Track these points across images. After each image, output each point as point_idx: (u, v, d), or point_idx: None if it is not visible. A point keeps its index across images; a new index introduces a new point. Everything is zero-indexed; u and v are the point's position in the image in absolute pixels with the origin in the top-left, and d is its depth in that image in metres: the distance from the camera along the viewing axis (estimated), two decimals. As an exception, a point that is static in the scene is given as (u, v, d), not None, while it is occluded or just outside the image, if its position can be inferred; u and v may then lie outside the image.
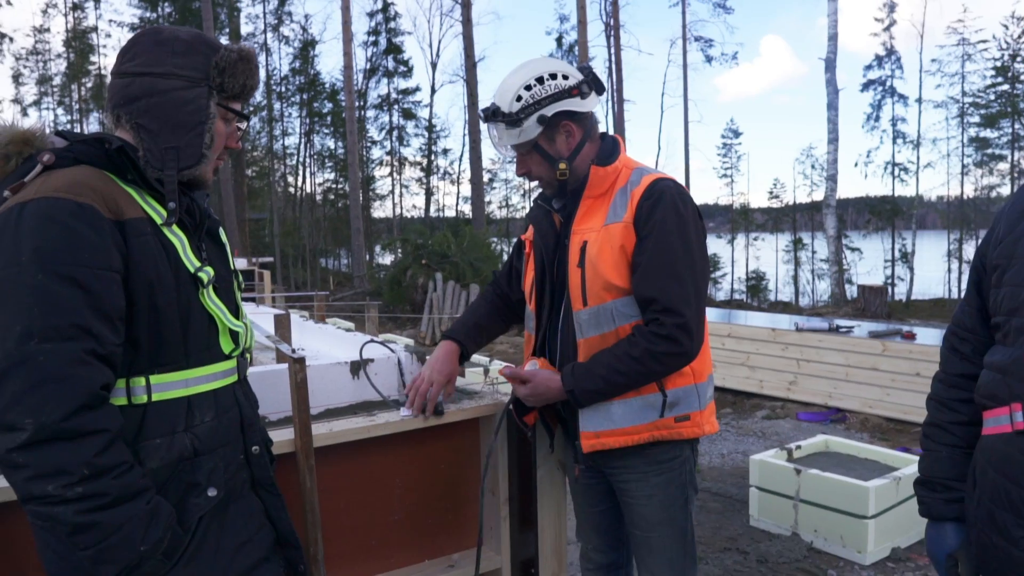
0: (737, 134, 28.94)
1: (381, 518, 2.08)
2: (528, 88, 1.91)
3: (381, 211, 35.24)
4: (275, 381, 1.98)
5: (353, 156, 22.54)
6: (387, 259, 25.76)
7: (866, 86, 24.34)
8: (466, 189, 30.46)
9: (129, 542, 1.20)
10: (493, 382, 2.48)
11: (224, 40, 1.45)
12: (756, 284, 24.98)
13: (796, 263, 25.38)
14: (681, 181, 2.00)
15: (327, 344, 3.35)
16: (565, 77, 1.94)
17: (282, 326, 3.40)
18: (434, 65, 31.39)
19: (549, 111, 1.92)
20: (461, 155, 32.18)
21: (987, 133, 23.02)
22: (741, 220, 27.82)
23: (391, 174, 33.24)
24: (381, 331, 8.98)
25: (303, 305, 8.36)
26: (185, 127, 1.35)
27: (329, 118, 31.86)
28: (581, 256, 1.95)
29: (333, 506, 1.96)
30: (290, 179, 33.83)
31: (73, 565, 1.24)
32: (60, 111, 32.48)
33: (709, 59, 30.14)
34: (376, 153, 33.20)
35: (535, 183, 2.09)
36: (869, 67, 24.42)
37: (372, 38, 31.11)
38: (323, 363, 2.17)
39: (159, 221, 1.34)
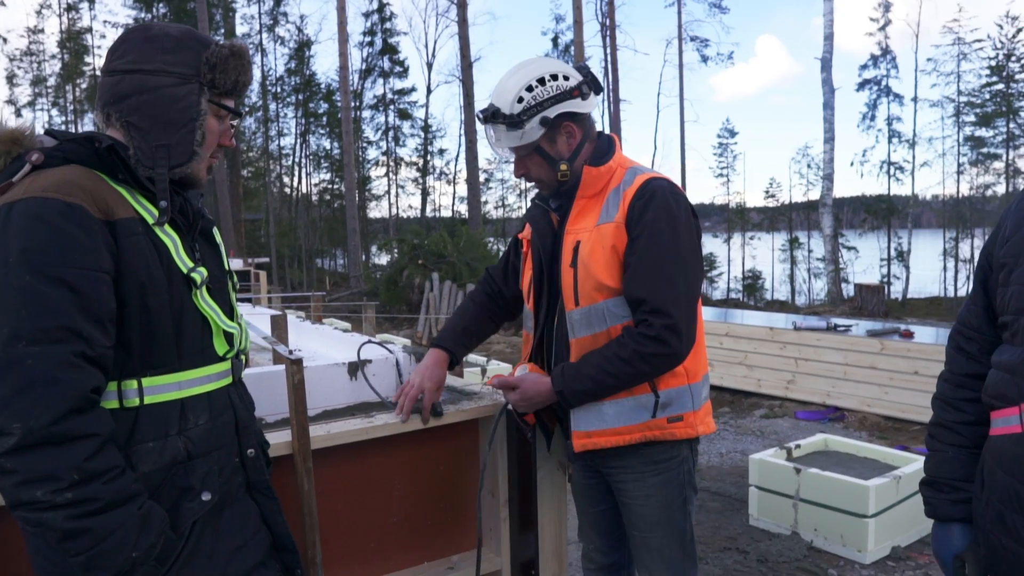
0: (733, 134, 28.94)
1: (380, 520, 2.05)
2: (530, 89, 1.88)
3: (377, 211, 35.24)
4: (272, 382, 1.97)
5: (349, 156, 22.51)
6: (383, 259, 25.74)
7: (862, 85, 24.36)
8: (462, 189, 30.39)
9: (121, 548, 1.17)
10: (492, 382, 2.45)
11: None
12: (752, 283, 25.00)
13: (792, 262, 25.40)
14: (677, 181, 1.99)
15: (324, 345, 3.33)
16: (566, 78, 1.92)
17: (279, 327, 3.37)
18: (430, 65, 31.40)
19: (551, 113, 1.90)
20: (457, 155, 32.13)
21: (982, 132, 23.07)
22: (737, 219, 27.85)
23: (387, 174, 33.22)
24: (378, 331, 8.95)
25: (300, 306, 8.33)
26: (176, 124, 1.33)
27: (325, 118, 31.82)
28: (574, 256, 1.94)
29: (331, 508, 1.94)
30: (286, 180, 33.82)
31: (64, 571, 1.22)
32: (55, 112, 32.42)
33: (705, 59, 30.22)
34: (372, 153, 33.22)
35: (531, 183, 2.07)
36: (865, 66, 24.44)
37: (368, 38, 31.08)
38: (320, 364, 2.15)
39: (151, 221, 1.31)
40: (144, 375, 1.28)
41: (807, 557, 3.74)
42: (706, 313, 8.90)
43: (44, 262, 1.16)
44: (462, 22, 22.58)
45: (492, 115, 1.92)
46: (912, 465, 4.00)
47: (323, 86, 31.45)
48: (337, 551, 1.97)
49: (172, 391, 1.31)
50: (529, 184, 2.07)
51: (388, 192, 33.60)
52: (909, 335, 6.59)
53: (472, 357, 7.08)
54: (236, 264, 11.64)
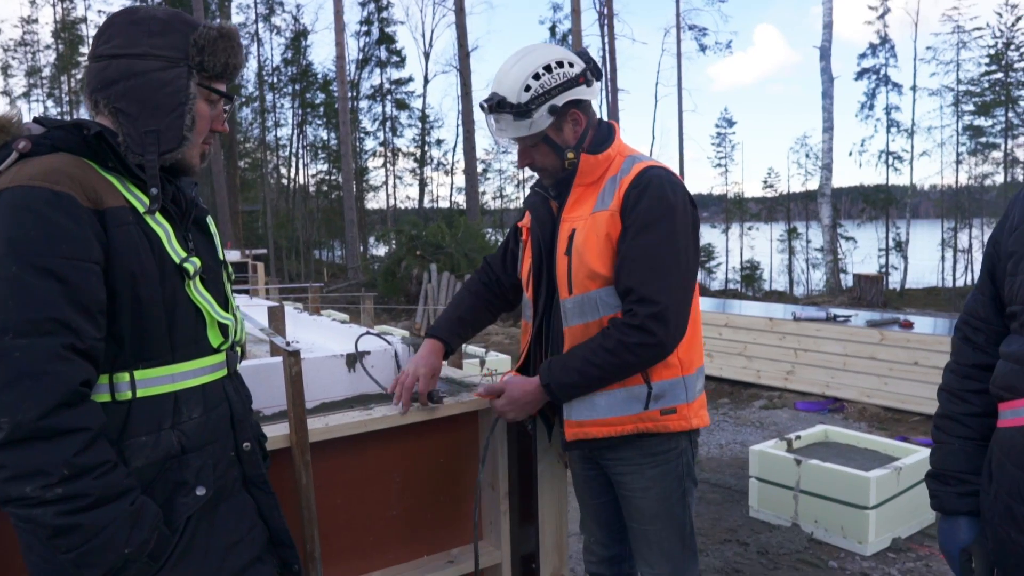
0: (731, 123, 28.80)
1: (379, 514, 2.04)
2: (536, 77, 1.85)
3: (375, 202, 35.18)
4: (269, 375, 1.95)
5: (346, 147, 22.41)
6: (381, 250, 25.73)
7: (860, 75, 24.26)
8: (460, 179, 30.25)
9: (113, 544, 1.15)
10: (491, 373, 2.43)
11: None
12: (751, 273, 25.00)
13: (790, 252, 25.39)
14: (676, 170, 1.96)
15: (322, 336, 3.31)
16: (571, 64, 1.89)
17: (276, 318, 3.35)
18: (427, 55, 31.24)
19: (560, 101, 1.87)
20: (455, 145, 32.03)
21: (981, 121, 23.01)
22: (735, 209, 27.81)
23: (384, 165, 33.12)
24: (376, 322, 8.93)
25: (297, 297, 8.30)
26: (164, 109, 1.29)
27: (322, 109, 31.67)
28: (568, 244, 1.92)
29: (330, 502, 1.92)
30: (283, 170, 33.67)
31: (56, 568, 1.20)
32: (50, 103, 32.27)
33: (703, 48, 30.24)
34: (369, 144, 33.06)
35: (529, 173, 2.04)
36: (863, 56, 24.35)
37: (364, 28, 30.89)
38: (318, 356, 2.13)
39: (142, 209, 1.28)
40: (136, 368, 1.25)
41: (808, 549, 3.73)
42: (705, 304, 8.89)
43: (31, 252, 1.13)
44: (459, 11, 22.43)
45: (498, 104, 1.88)
46: (913, 456, 3.99)
47: (320, 76, 31.30)
48: (336, 545, 1.95)
49: (165, 384, 1.28)
50: (528, 174, 2.05)
51: (386, 183, 33.55)
52: (909, 325, 6.58)
53: (471, 348, 7.06)
54: (234, 256, 11.58)
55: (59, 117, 1.38)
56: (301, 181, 33.54)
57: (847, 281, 19.81)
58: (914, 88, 23.79)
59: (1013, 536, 1.32)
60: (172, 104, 1.30)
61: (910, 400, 6.09)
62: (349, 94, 25.86)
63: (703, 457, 5.27)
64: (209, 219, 1.49)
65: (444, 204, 33.07)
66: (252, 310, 3.52)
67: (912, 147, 24.13)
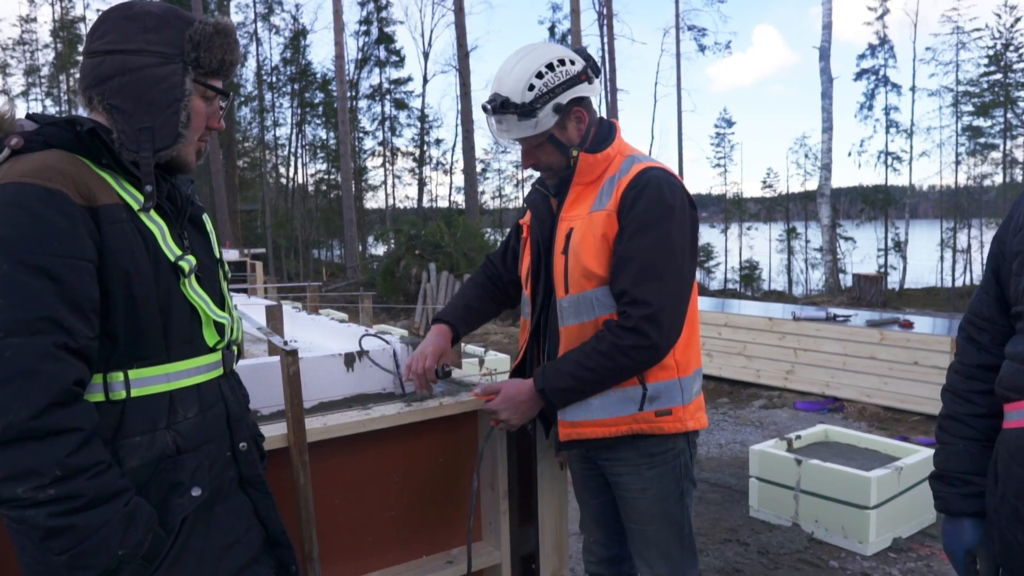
0: (730, 124, 28.82)
1: (377, 514, 2.02)
2: (540, 76, 1.84)
3: (374, 202, 35.14)
4: (267, 374, 1.93)
5: (345, 146, 22.39)
6: (380, 250, 25.69)
7: (859, 75, 24.27)
8: (459, 179, 30.24)
9: (106, 546, 1.13)
10: (490, 373, 2.42)
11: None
12: (750, 273, 25.01)
13: (789, 252, 25.39)
14: (675, 170, 1.94)
15: (320, 336, 3.29)
16: (572, 62, 1.88)
17: (274, 317, 3.33)
18: (426, 55, 31.23)
19: (564, 99, 1.86)
20: (454, 145, 32.01)
21: (980, 122, 23.00)
22: (734, 210, 27.82)
23: (383, 164, 33.12)
24: (375, 322, 8.91)
25: (296, 296, 8.27)
26: (159, 105, 1.28)
27: (321, 108, 31.65)
28: (566, 243, 1.91)
29: (328, 502, 1.91)
30: (282, 170, 33.66)
31: (49, 570, 1.18)
32: (49, 102, 32.19)
33: (702, 48, 30.26)
34: (368, 143, 33.06)
35: (528, 172, 2.03)
36: (863, 56, 24.35)
37: (364, 27, 30.88)
38: (316, 355, 2.12)
39: (136, 207, 1.26)
40: (131, 367, 1.24)
41: (808, 549, 3.72)
42: (704, 303, 8.87)
43: (23, 250, 1.12)
44: (458, 11, 22.40)
45: (501, 105, 1.85)
46: (913, 456, 3.98)
47: (319, 76, 31.27)
48: (334, 546, 1.93)
49: (160, 383, 1.26)
50: (527, 174, 2.04)
51: (385, 182, 33.56)
52: (909, 325, 6.57)
53: (470, 348, 7.05)
54: (232, 255, 11.56)
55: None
56: (300, 180, 33.56)
57: (846, 281, 19.81)
58: (913, 89, 23.82)
59: (1020, 538, 1.30)
60: (167, 101, 1.28)
61: (910, 400, 6.07)
62: (348, 94, 25.84)
63: (703, 457, 5.25)
64: (205, 217, 1.47)
65: (443, 204, 33.09)
66: (250, 309, 3.50)
67: (911, 147, 24.20)
